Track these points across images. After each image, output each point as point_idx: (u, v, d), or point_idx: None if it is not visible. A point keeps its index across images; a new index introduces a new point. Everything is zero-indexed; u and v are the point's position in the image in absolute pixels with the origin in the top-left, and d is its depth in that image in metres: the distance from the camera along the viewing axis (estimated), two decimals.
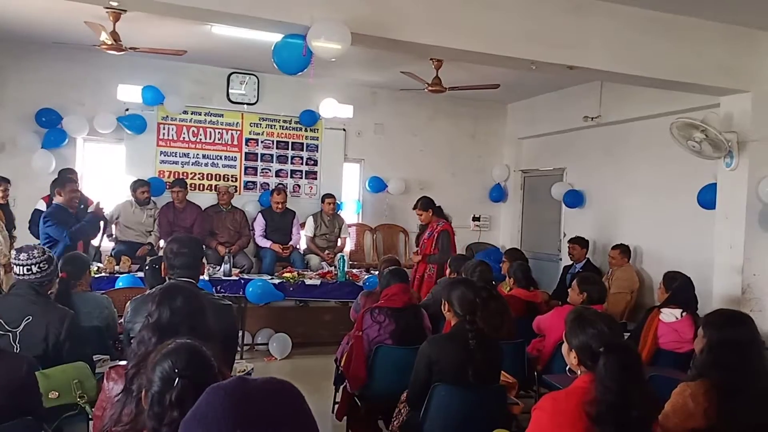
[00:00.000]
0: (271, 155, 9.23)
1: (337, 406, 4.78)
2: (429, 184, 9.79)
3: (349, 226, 9.14)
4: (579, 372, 2.50)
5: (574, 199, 8.90)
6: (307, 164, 9.38)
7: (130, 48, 6.40)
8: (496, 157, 10.38)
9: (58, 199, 6.43)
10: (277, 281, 6.82)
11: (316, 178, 9.39)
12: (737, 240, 5.78)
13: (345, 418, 4.53)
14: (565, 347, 2.56)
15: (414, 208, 7.03)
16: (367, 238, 9.66)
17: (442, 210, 7.05)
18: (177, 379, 1.75)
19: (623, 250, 7.51)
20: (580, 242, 8.00)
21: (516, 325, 4.72)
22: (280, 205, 8.35)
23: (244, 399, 0.97)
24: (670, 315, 4.61)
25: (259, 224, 8.40)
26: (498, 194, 10.33)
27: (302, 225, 8.60)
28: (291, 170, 9.32)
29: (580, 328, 2.48)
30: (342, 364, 4.50)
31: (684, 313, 4.60)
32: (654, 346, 4.58)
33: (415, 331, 4.20)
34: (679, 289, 4.72)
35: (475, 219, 10.24)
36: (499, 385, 3.42)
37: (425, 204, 6.93)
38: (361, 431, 4.35)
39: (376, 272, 6.65)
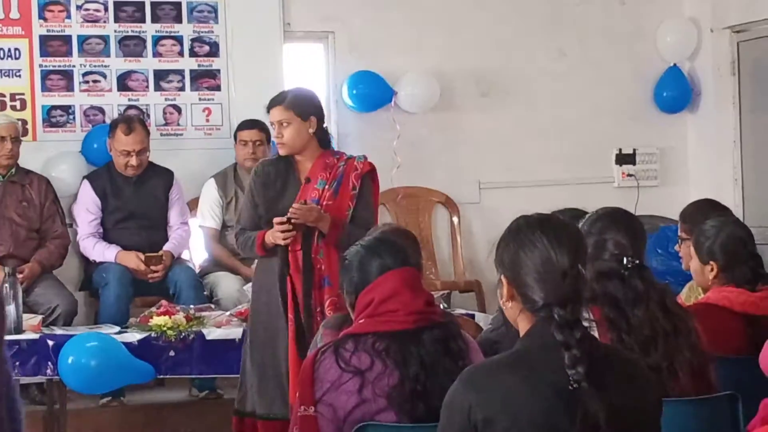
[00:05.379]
0: (105, 38, 4.47)
1: None
2: (504, 80, 5.00)
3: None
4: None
5: None
6: (195, 54, 4.59)
7: None
8: (662, 5, 5.20)
9: None
10: (137, 336, 4.01)
11: (219, 88, 4.69)
12: None
13: None
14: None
15: (271, 108, 3.26)
16: None
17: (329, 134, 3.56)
18: None
19: None
20: None
21: (716, 364, 2.56)
22: (134, 160, 4.44)
23: None
24: None
25: (86, 206, 4.50)
26: (677, 92, 5.20)
27: (192, 206, 4.76)
28: (157, 71, 4.57)
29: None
30: None
31: None
32: None
33: (448, 382, 1.98)
34: None
35: (624, 159, 5.20)
36: None
37: (299, 100, 3.29)
38: None
39: None
